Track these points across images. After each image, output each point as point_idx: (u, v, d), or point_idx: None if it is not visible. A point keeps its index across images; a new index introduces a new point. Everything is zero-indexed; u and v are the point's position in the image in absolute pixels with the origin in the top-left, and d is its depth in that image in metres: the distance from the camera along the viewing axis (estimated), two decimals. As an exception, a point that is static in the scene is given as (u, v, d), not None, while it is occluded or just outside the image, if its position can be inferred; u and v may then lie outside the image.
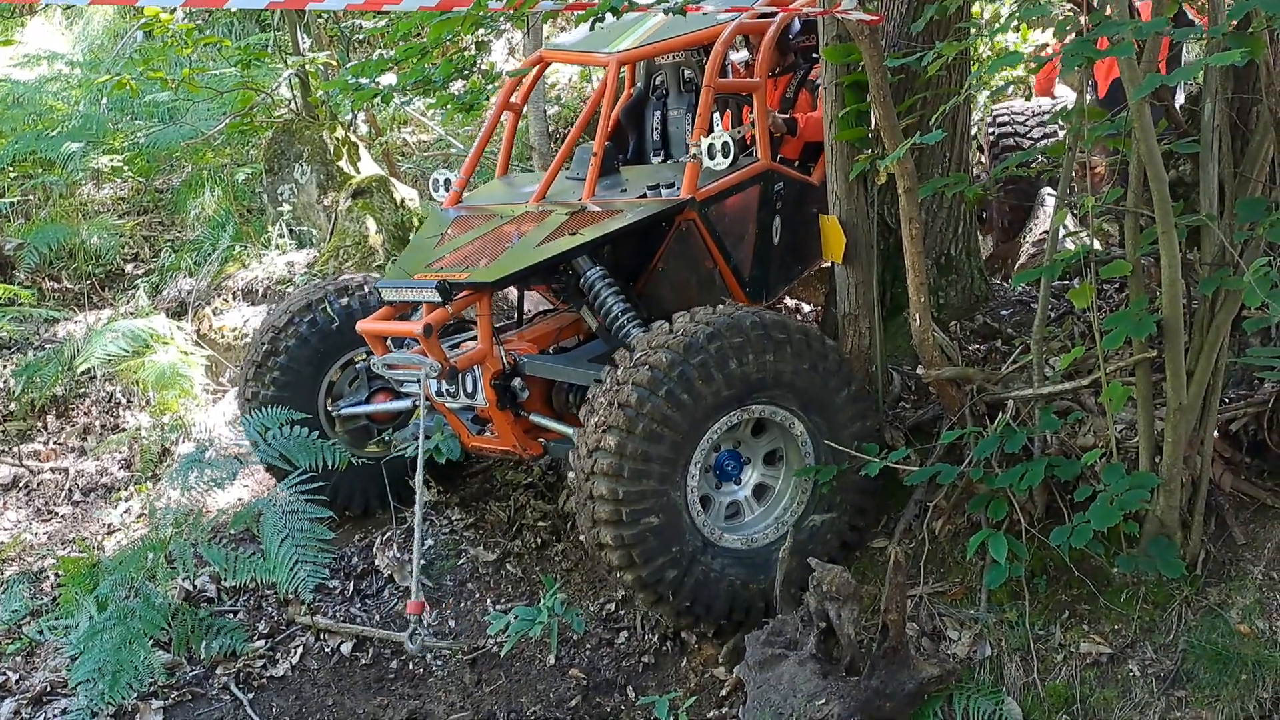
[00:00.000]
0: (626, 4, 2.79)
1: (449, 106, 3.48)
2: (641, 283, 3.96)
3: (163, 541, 3.79)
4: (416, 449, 3.89)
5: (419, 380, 3.60)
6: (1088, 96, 3.94)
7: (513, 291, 4.33)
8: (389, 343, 3.74)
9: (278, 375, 4.12)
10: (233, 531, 4.33)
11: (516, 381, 3.66)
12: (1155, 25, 2.52)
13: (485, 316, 3.60)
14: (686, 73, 4.58)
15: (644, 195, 3.85)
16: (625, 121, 4.71)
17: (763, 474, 3.57)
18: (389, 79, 4.34)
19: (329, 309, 4.18)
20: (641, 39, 4.23)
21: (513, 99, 4.43)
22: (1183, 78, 2.41)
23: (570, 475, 3.33)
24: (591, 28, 3.20)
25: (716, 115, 3.97)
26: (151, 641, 3.64)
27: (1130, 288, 3.06)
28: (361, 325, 3.78)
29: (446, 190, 4.35)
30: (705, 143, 3.76)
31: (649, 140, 4.69)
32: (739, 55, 4.75)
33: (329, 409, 4.26)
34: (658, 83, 4.72)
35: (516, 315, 4.28)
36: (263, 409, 4.00)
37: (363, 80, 3.45)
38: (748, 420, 3.42)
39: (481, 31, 3.38)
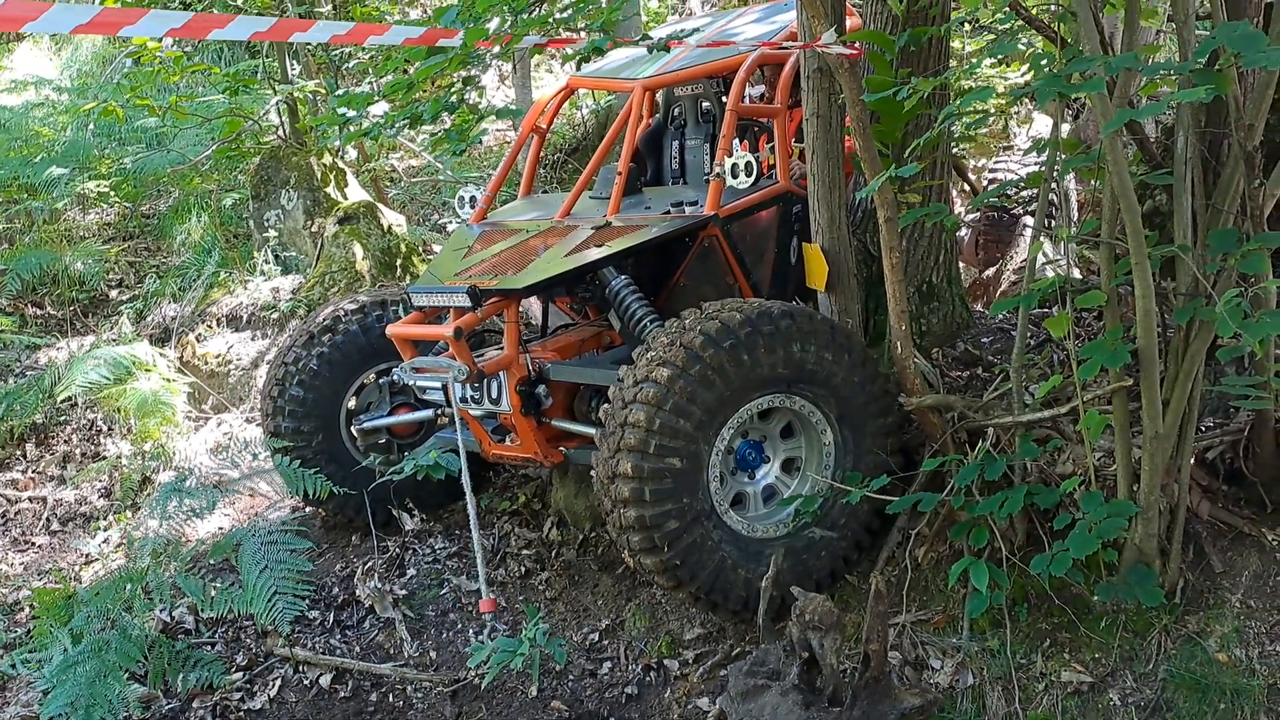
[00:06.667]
0: (611, 43, 2.82)
1: (445, 146, 3.54)
2: (663, 297, 4.05)
3: (140, 572, 3.77)
4: (404, 471, 3.92)
5: (443, 386, 3.66)
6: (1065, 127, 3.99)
7: (536, 307, 4.41)
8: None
9: (295, 408, 4.21)
10: (212, 561, 4.31)
11: (541, 388, 3.74)
12: (1125, 60, 2.56)
13: (513, 323, 3.70)
14: (704, 104, 4.66)
15: (668, 212, 3.96)
16: (644, 150, 4.81)
17: (777, 477, 3.62)
18: (382, 107, 4.38)
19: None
20: (665, 67, 4.33)
21: (539, 122, 4.57)
22: (1151, 113, 2.45)
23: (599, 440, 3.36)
24: (578, 67, 3.25)
25: (736, 141, 4.06)
26: (127, 674, 3.61)
27: (1106, 317, 3.09)
28: (391, 329, 3.92)
29: (472, 207, 4.50)
30: (729, 162, 3.86)
31: (667, 169, 4.79)
32: (755, 90, 4.83)
33: (351, 430, 4.35)
34: (676, 113, 4.82)
35: (541, 327, 4.35)
36: (284, 438, 4.14)
37: (350, 113, 3.49)
38: (774, 411, 3.49)
39: (468, 69, 3.42)
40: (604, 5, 3.12)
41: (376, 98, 3.67)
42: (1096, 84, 2.51)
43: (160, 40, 5.82)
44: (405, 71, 3.58)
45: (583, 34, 3.30)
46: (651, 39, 2.95)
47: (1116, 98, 2.86)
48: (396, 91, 3.21)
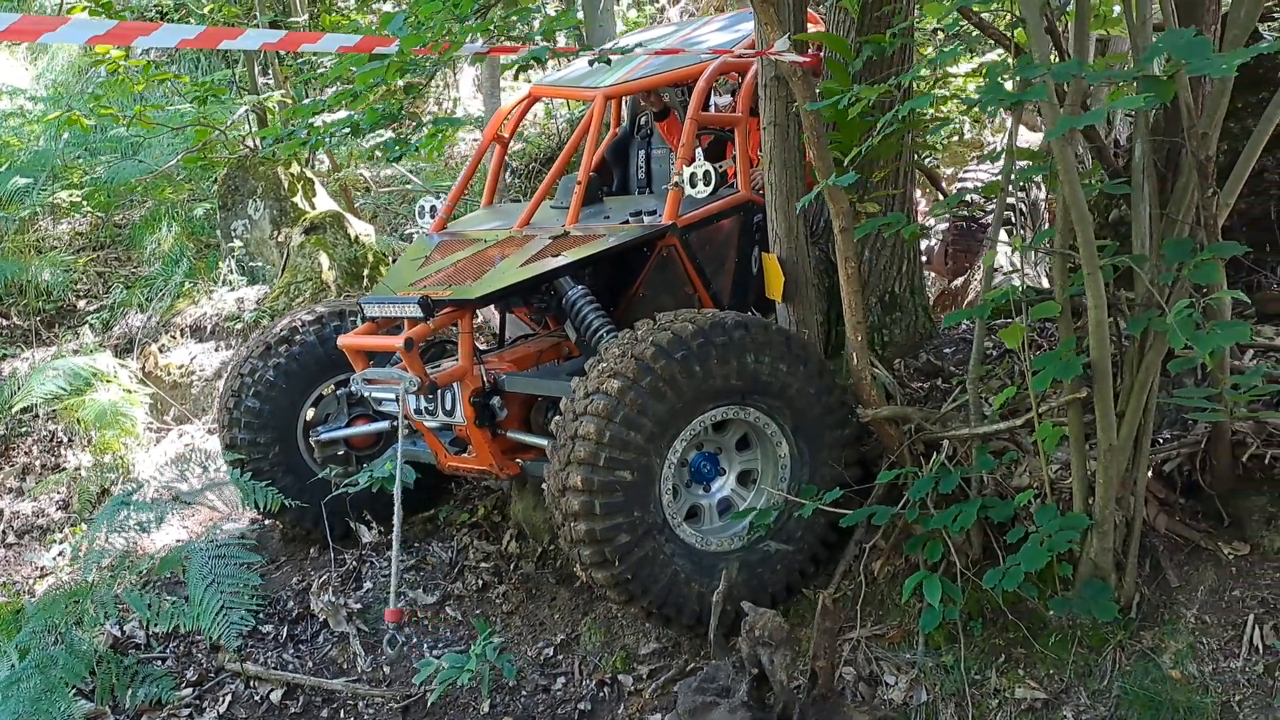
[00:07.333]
0: (551, 52, 2.78)
1: (379, 153, 3.51)
2: (622, 307, 4.01)
3: (87, 586, 3.70)
4: (359, 484, 3.87)
5: (397, 397, 3.59)
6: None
7: (495, 316, 4.35)
8: (373, 362, 3.81)
9: (252, 420, 4.16)
10: (167, 575, 4.25)
11: (495, 399, 3.69)
12: (1070, 67, 2.53)
13: (466, 334, 3.65)
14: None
15: (626, 222, 3.92)
16: (610, 159, 4.78)
17: (733, 490, 3.57)
18: (341, 115, 4.33)
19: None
20: (627, 76, 4.29)
21: (501, 131, 4.54)
22: (1091, 120, 2.42)
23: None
24: (515, 76, 3.21)
25: (699, 151, 4.03)
26: (74, 690, 3.55)
27: (1060, 328, 3.04)
28: (343, 340, 3.86)
29: (432, 216, 4.47)
30: (687, 171, 3.82)
31: (633, 178, 4.76)
32: (723, 99, 4.82)
33: (310, 440, 4.29)
34: (642, 122, 4.78)
35: (499, 338, 4.28)
36: (241, 450, 4.09)
37: (294, 123, 3.45)
38: (729, 423, 3.43)
39: (407, 77, 3.38)
40: (559, 14, 3.08)
41: (322, 109, 3.63)
42: (1039, 91, 2.48)
43: (127, 50, 5.77)
44: (349, 81, 3.54)
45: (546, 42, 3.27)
46: (593, 49, 2.91)
47: (1068, 105, 2.82)
48: (341, 100, 3.17)
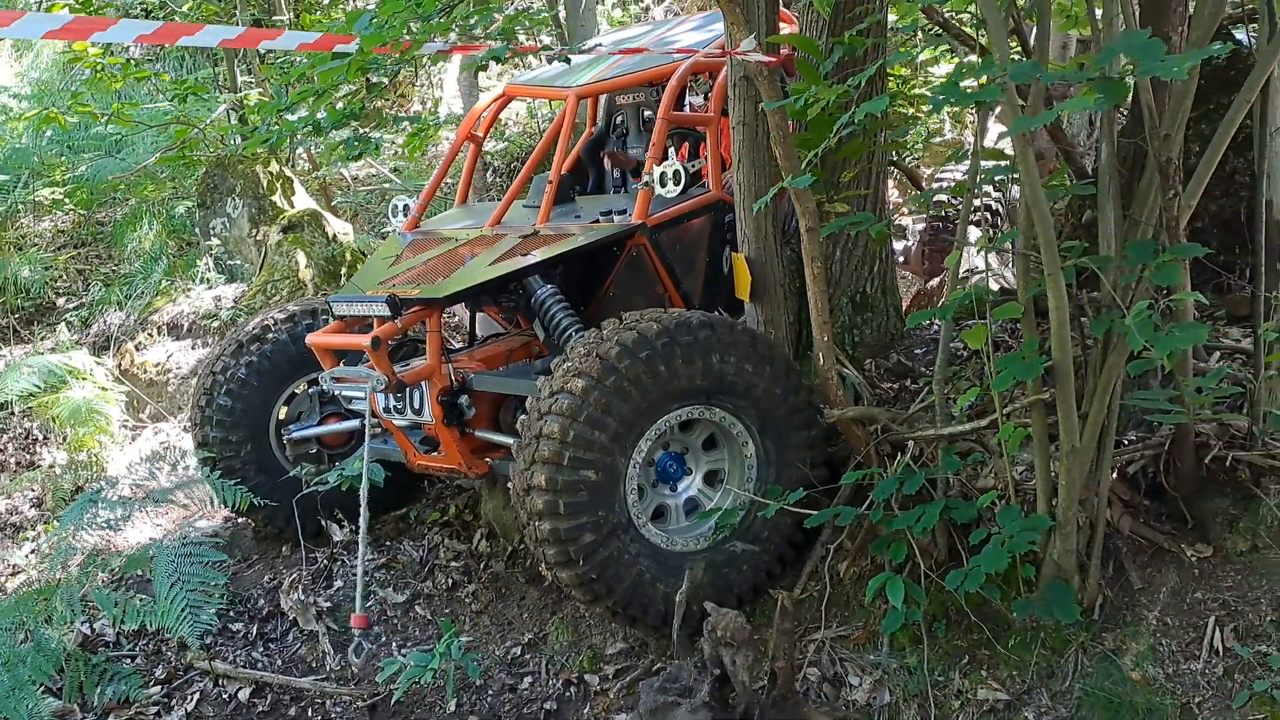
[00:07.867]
0: (511, 51, 2.78)
1: (341, 150, 3.51)
2: (594, 307, 4.00)
3: (55, 584, 3.69)
4: (329, 482, 3.87)
5: (366, 395, 3.61)
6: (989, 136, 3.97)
7: (466, 316, 4.36)
8: (343, 361, 3.79)
9: (224, 418, 4.14)
10: (139, 573, 4.24)
11: (464, 398, 3.68)
12: (1027, 67, 2.53)
13: (434, 333, 3.64)
14: (646, 113, 4.63)
15: (597, 221, 3.91)
16: (586, 159, 4.78)
17: (700, 490, 3.56)
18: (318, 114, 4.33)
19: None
20: (600, 75, 4.28)
21: (475, 130, 4.52)
22: (1044, 120, 2.41)
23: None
24: (476, 74, 3.20)
25: (673, 150, 4.02)
26: (41, 688, 3.54)
27: (1023, 329, 3.04)
28: (311, 338, 3.86)
29: (405, 216, 4.46)
30: (657, 170, 3.81)
31: (609, 177, 4.75)
32: (699, 99, 4.81)
33: (282, 438, 4.28)
34: (618, 122, 4.78)
35: (469, 337, 4.28)
36: (213, 448, 4.08)
37: (259, 122, 3.45)
38: (695, 423, 3.42)
39: (369, 75, 3.38)
40: (519, 12, 3.07)
41: (285, 105, 3.62)
42: (993, 91, 2.47)
43: (107, 48, 5.76)
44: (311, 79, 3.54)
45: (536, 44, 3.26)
46: (553, 50, 2.91)
47: (1029, 105, 2.82)
48: (303, 98, 3.16)
